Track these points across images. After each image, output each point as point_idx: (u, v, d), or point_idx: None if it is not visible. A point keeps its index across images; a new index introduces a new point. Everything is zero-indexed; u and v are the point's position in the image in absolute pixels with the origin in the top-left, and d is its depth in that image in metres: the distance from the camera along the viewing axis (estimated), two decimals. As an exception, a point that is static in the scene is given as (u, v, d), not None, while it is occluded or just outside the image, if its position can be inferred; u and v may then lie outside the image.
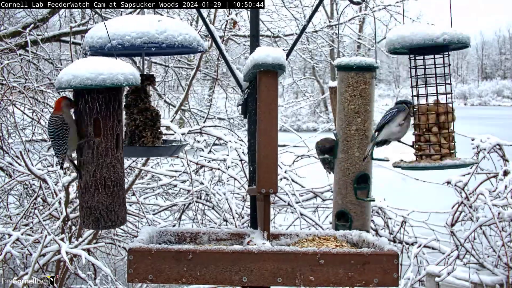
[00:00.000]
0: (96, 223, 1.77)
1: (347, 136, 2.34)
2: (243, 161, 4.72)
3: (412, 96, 2.24)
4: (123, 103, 2.08)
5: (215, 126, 5.83)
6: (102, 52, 1.94)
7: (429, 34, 2.09)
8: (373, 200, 2.40)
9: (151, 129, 2.16)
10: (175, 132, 4.28)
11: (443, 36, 2.08)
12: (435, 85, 2.21)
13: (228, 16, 5.55)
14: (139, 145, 2.14)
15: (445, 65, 2.20)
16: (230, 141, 4.78)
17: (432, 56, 2.21)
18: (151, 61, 7.04)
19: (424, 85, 2.24)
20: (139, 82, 1.78)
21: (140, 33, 1.90)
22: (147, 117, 2.16)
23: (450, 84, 2.22)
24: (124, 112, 2.11)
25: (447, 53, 2.19)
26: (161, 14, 5.41)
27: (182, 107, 6.43)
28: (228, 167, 4.77)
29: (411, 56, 2.21)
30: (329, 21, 8.73)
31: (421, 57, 2.21)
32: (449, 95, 2.21)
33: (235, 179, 4.95)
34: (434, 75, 2.22)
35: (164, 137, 2.32)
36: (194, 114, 7.47)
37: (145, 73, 2.22)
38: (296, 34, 7.29)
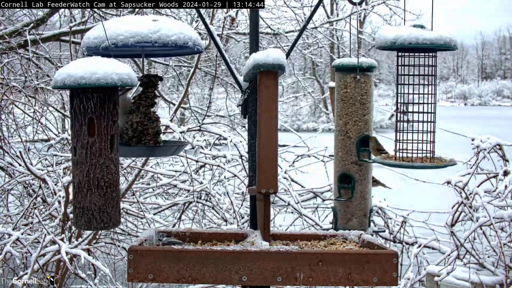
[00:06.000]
0: (88, 223, 1.75)
1: (334, 136, 2.44)
2: (243, 157, 4.72)
3: (397, 94, 2.27)
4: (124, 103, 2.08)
5: (214, 123, 5.83)
6: (100, 52, 1.94)
7: (385, 37, 2.14)
8: (341, 199, 2.41)
9: (152, 129, 2.16)
10: (174, 131, 4.28)
11: (395, 39, 2.11)
12: (421, 84, 2.25)
13: (226, 13, 5.54)
14: (140, 145, 2.14)
15: (429, 65, 2.23)
16: (229, 136, 4.78)
17: (423, 56, 2.24)
18: (151, 60, 7.04)
19: (406, 84, 2.28)
20: (135, 83, 1.77)
21: (133, 33, 1.91)
22: (149, 117, 2.16)
23: (434, 84, 2.24)
24: (123, 112, 2.11)
25: (431, 54, 2.21)
26: (162, 14, 5.41)
27: (183, 106, 6.43)
28: (228, 160, 4.75)
29: (398, 54, 2.25)
30: (328, 17, 8.73)
31: (412, 56, 2.25)
32: (433, 95, 2.26)
33: (235, 175, 4.95)
34: (422, 75, 2.25)
35: (163, 136, 2.32)
36: (195, 113, 7.47)
37: (150, 73, 2.22)
38: (296, 31, 7.31)
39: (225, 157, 4.77)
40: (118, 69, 1.71)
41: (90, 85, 1.67)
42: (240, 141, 4.81)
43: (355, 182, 2.38)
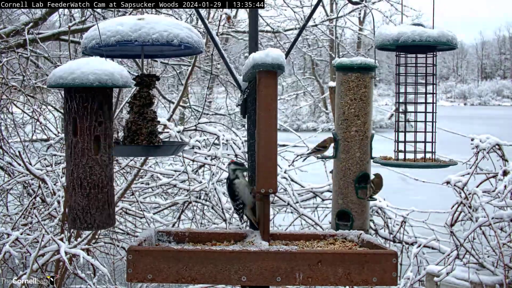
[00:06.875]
0: (73, 222, 1.77)
1: (347, 137, 2.36)
2: (238, 156, 4.70)
3: (396, 93, 2.27)
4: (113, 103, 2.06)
5: (210, 122, 5.82)
6: (99, 53, 1.94)
7: (387, 35, 2.16)
8: (375, 199, 2.42)
9: (146, 129, 2.14)
10: (170, 130, 4.28)
11: (397, 37, 2.11)
12: (420, 84, 2.25)
13: (222, 11, 5.53)
14: (137, 145, 2.13)
15: (429, 65, 2.22)
16: (223, 135, 4.77)
17: (422, 55, 2.24)
18: (151, 59, 7.02)
19: (405, 84, 2.27)
20: (118, 83, 1.74)
21: (114, 32, 1.91)
22: (144, 116, 2.14)
23: (435, 84, 2.24)
24: (117, 113, 2.11)
25: (432, 53, 2.21)
26: (161, 14, 5.40)
27: (182, 104, 6.42)
28: (219, 158, 4.74)
29: (396, 53, 2.24)
30: (327, 16, 8.73)
31: (412, 56, 2.24)
32: (433, 95, 2.25)
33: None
34: (422, 74, 2.25)
35: (161, 136, 2.31)
36: (194, 111, 7.45)
37: (145, 73, 2.21)
38: (296, 29, 7.30)
39: (216, 157, 4.77)
40: (100, 70, 1.70)
41: (67, 85, 1.69)
42: (235, 141, 4.80)
43: (370, 181, 2.37)
